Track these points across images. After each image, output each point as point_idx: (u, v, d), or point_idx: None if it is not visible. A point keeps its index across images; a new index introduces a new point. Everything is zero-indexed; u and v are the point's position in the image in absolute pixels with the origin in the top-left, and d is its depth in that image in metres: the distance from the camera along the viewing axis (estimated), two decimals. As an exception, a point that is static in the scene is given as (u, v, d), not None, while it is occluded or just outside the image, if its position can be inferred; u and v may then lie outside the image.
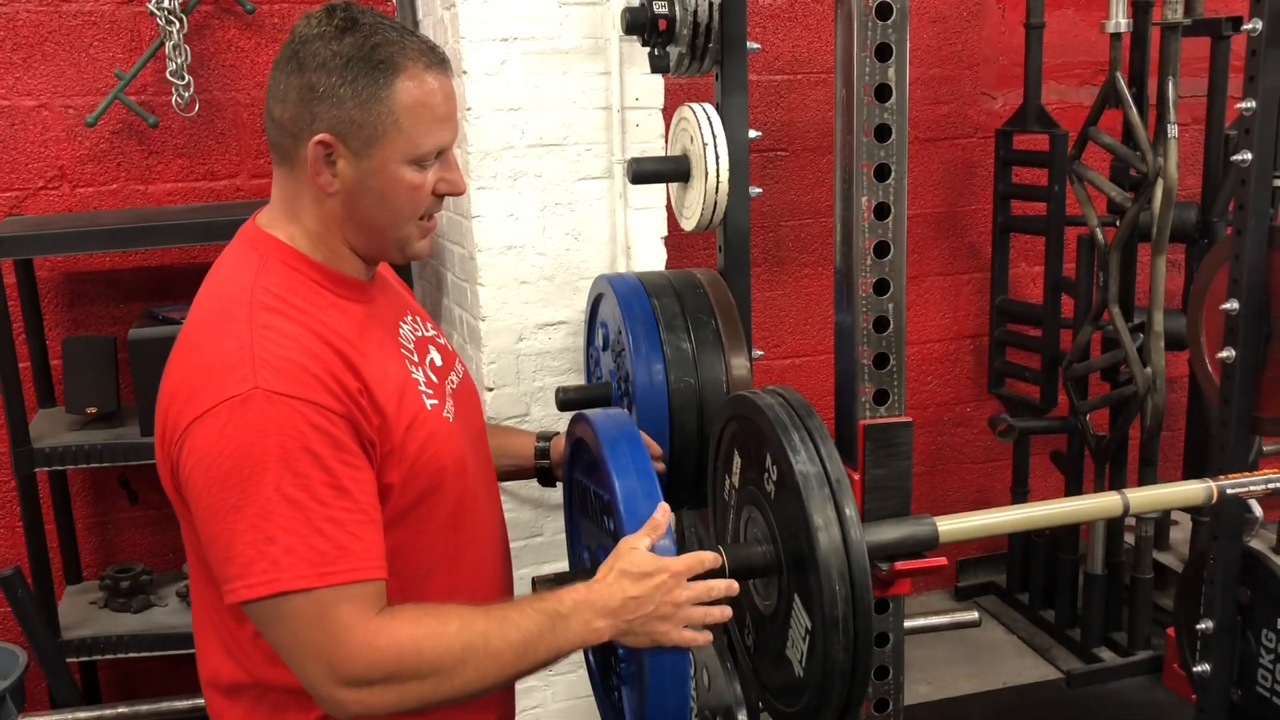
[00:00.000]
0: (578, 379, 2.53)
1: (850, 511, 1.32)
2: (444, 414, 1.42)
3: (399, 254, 1.40)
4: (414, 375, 1.39)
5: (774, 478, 1.41)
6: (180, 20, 2.86)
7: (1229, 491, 1.72)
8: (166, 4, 2.84)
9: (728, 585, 1.36)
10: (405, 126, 1.29)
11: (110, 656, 2.79)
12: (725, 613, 1.36)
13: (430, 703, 1.24)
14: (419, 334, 1.49)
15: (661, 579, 1.31)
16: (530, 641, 1.26)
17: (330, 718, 1.29)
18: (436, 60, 1.32)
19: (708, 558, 1.36)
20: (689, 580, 1.33)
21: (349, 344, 1.29)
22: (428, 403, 1.39)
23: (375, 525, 1.25)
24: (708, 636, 1.35)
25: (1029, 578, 3.76)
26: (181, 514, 1.33)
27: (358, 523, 1.22)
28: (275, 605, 1.18)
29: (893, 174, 1.51)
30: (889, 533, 1.49)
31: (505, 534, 1.62)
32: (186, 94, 2.93)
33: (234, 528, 1.18)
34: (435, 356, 1.49)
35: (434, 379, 1.44)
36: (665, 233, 2.59)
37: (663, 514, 1.36)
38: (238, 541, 1.18)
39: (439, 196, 1.38)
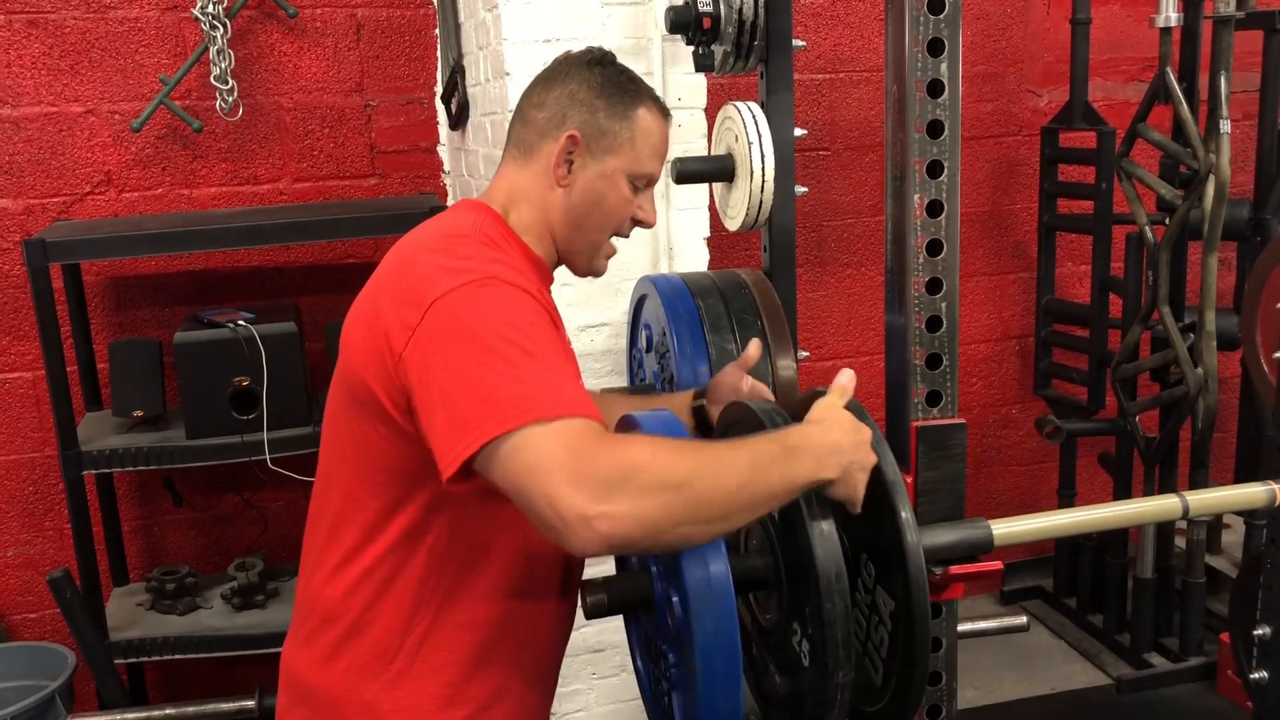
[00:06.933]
0: (620, 381, 2.52)
1: (906, 514, 1.30)
2: None
3: (586, 262, 1.58)
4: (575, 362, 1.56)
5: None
6: (224, 25, 2.88)
7: (1291, 494, 1.67)
8: (211, 9, 2.86)
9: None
10: (638, 144, 1.52)
11: (157, 658, 2.81)
12: None
13: (679, 519, 1.23)
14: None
15: (865, 436, 1.33)
16: (763, 462, 1.27)
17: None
18: (665, 108, 1.58)
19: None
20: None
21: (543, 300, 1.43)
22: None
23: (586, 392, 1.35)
24: None
25: (1076, 582, 3.70)
26: (352, 427, 1.43)
27: (580, 382, 1.34)
28: (528, 433, 1.22)
29: (945, 170, 1.49)
30: (943, 536, 1.46)
31: None
32: (230, 98, 2.95)
33: (483, 378, 1.27)
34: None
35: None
36: (708, 233, 2.57)
37: (847, 378, 1.38)
38: (489, 390, 1.26)
39: (633, 223, 1.56)
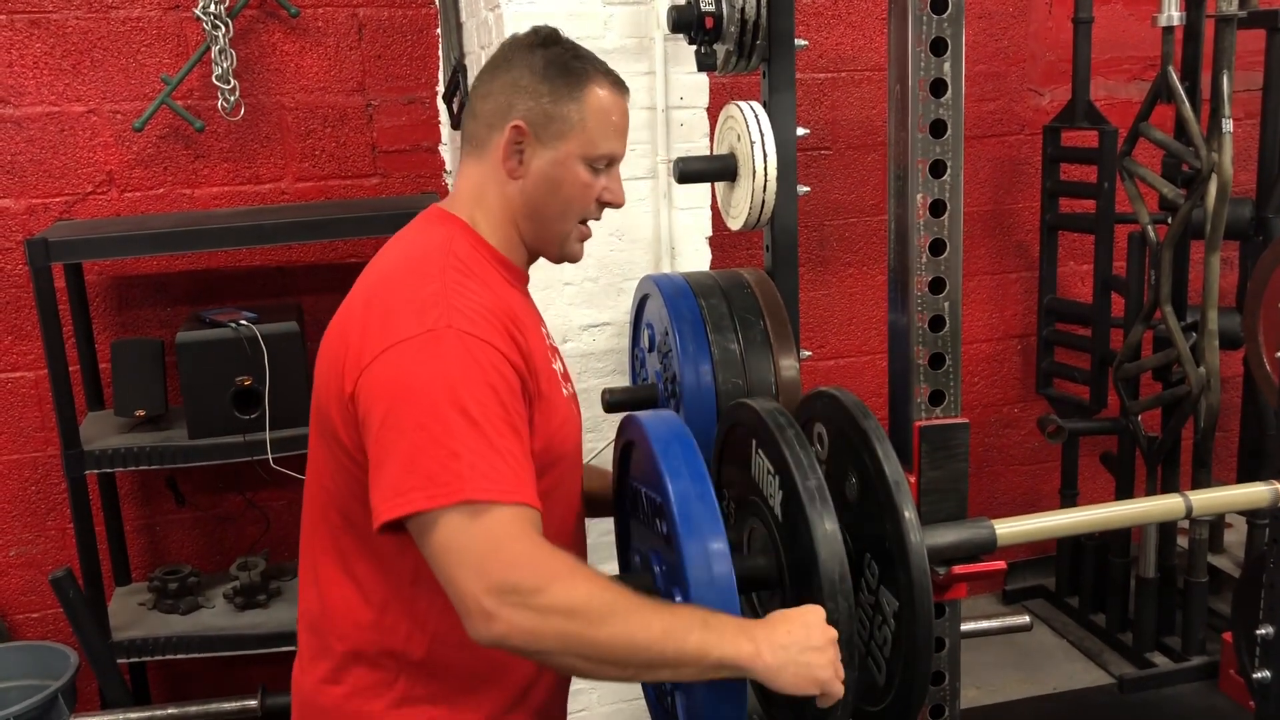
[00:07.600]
0: (622, 381, 2.51)
1: (910, 514, 1.30)
2: (574, 407, 1.55)
3: (557, 250, 1.52)
4: (554, 365, 1.51)
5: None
6: (226, 25, 2.88)
7: (1294, 493, 1.67)
8: (212, 9, 2.86)
9: None
10: (589, 126, 1.44)
11: (159, 658, 2.81)
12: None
13: (571, 649, 1.22)
14: (549, 342, 1.57)
15: (819, 639, 1.27)
16: (678, 628, 1.23)
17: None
18: (619, 82, 1.50)
19: None
20: None
21: (516, 319, 1.39)
22: (564, 390, 1.51)
23: (532, 469, 1.30)
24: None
25: (1079, 581, 3.70)
26: (325, 455, 1.40)
27: (525, 460, 1.29)
28: (452, 513, 1.21)
29: (949, 170, 1.49)
30: (946, 536, 1.46)
31: (582, 541, 1.66)
32: (232, 98, 2.95)
33: (417, 442, 1.23)
34: (559, 364, 1.57)
35: (562, 377, 1.55)
36: (710, 233, 2.57)
37: None
38: (421, 455, 1.23)
39: (600, 205, 1.50)
